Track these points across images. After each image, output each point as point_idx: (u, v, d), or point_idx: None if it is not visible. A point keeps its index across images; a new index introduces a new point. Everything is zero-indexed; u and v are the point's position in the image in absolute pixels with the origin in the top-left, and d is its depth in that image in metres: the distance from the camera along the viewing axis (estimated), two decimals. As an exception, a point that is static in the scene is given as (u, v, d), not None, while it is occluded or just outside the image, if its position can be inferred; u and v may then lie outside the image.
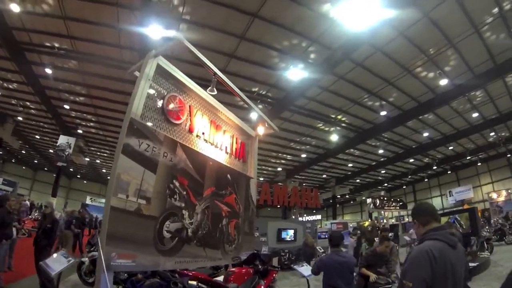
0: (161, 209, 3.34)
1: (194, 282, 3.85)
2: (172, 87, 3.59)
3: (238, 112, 5.42)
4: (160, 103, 3.41)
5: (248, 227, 5.30)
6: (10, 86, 14.68)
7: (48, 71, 11.97)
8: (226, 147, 4.69)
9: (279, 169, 24.15)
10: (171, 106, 3.54)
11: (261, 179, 23.53)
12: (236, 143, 5.01)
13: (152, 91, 3.31)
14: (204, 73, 4.98)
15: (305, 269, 5.41)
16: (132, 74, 3.54)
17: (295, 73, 10.68)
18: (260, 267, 4.94)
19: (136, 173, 3.06)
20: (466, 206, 20.06)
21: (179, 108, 3.64)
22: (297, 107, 13.60)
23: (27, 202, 19.02)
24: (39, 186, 33.74)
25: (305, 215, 25.02)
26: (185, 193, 3.67)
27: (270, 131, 5.82)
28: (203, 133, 4.11)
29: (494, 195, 22.68)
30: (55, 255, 4.51)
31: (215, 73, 3.63)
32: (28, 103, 16.43)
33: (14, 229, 5.87)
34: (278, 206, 23.53)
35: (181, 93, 3.73)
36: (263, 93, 12.39)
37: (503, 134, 19.70)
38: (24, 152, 29.02)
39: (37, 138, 23.54)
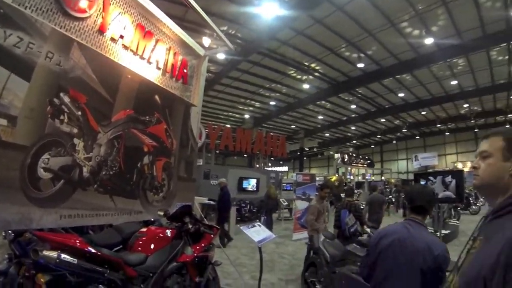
0: (36, 135, 2.39)
1: (54, 254, 2.17)
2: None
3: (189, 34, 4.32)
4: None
5: (186, 170, 4.30)
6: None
7: None
8: (157, 61, 3.66)
9: (247, 116, 22.84)
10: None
11: (227, 125, 22.52)
12: (174, 58, 3.97)
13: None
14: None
15: (257, 232, 3.53)
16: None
17: (268, 10, 9.18)
18: (190, 226, 3.16)
19: (-7, 78, 2.10)
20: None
21: (85, -3, 2.68)
22: (268, 50, 12.23)
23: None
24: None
25: (269, 164, 23.93)
26: (80, 113, 2.70)
27: (222, 50, 4.95)
28: (121, 37, 3.10)
29: (459, 165, 23.53)
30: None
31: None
32: None
33: None
34: (245, 155, 22.85)
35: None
36: (232, 32, 10.95)
37: (475, 108, 20.03)
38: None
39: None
